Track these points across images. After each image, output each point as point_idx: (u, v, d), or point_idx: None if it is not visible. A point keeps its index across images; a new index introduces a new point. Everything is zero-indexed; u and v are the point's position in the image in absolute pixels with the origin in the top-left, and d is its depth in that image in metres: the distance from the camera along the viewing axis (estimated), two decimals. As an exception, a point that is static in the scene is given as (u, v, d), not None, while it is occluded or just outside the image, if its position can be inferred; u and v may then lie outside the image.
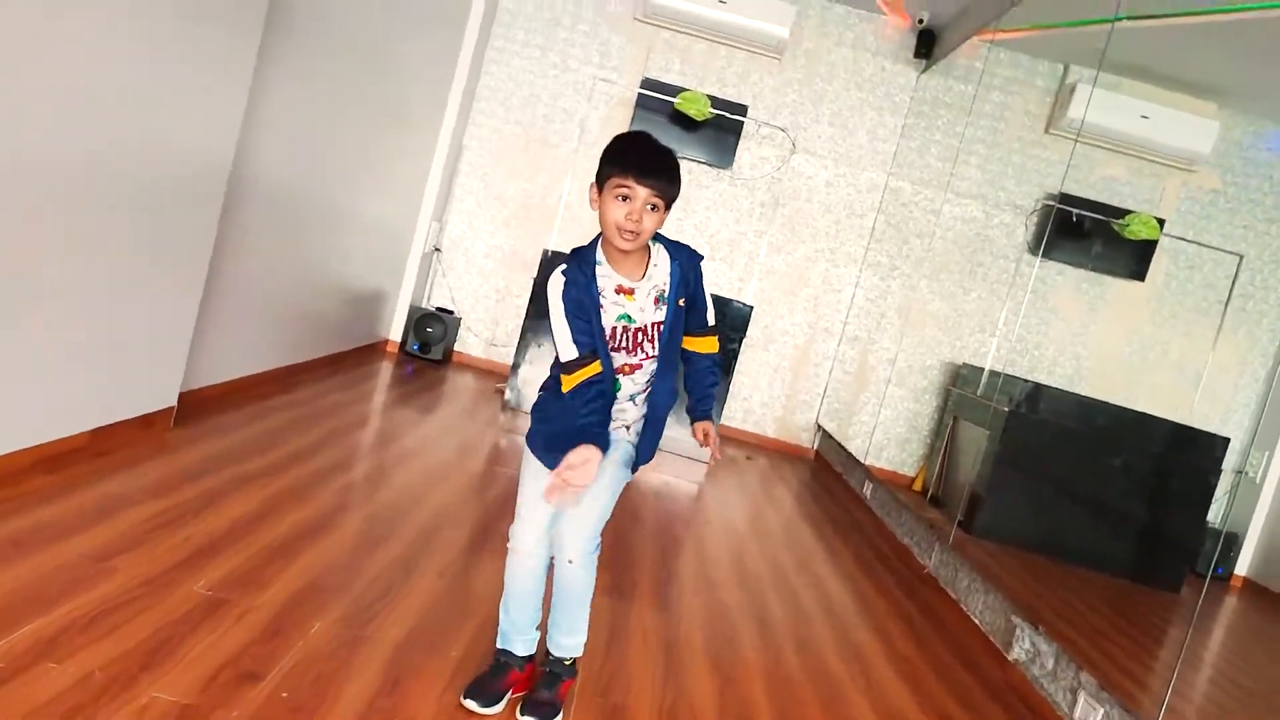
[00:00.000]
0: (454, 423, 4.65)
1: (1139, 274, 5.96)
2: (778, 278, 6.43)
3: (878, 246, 6.40)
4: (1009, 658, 2.96)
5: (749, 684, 2.44)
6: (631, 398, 1.96)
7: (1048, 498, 4.82)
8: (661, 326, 1.88)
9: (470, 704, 1.95)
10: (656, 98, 6.17)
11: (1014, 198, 6.14)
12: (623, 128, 6.29)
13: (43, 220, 2.33)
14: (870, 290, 6.40)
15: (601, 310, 1.85)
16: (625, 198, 1.78)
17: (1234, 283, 5.51)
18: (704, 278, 1.95)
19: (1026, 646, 2.85)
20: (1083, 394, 5.55)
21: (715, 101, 6.08)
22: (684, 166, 6.32)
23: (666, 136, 6.24)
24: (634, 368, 1.91)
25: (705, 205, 6.38)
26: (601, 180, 1.82)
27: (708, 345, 1.99)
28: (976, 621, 3.30)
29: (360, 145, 4.69)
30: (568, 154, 6.29)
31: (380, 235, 5.43)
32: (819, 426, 6.52)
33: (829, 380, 6.50)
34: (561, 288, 1.84)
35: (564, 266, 1.87)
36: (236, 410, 3.70)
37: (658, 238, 1.91)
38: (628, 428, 1.99)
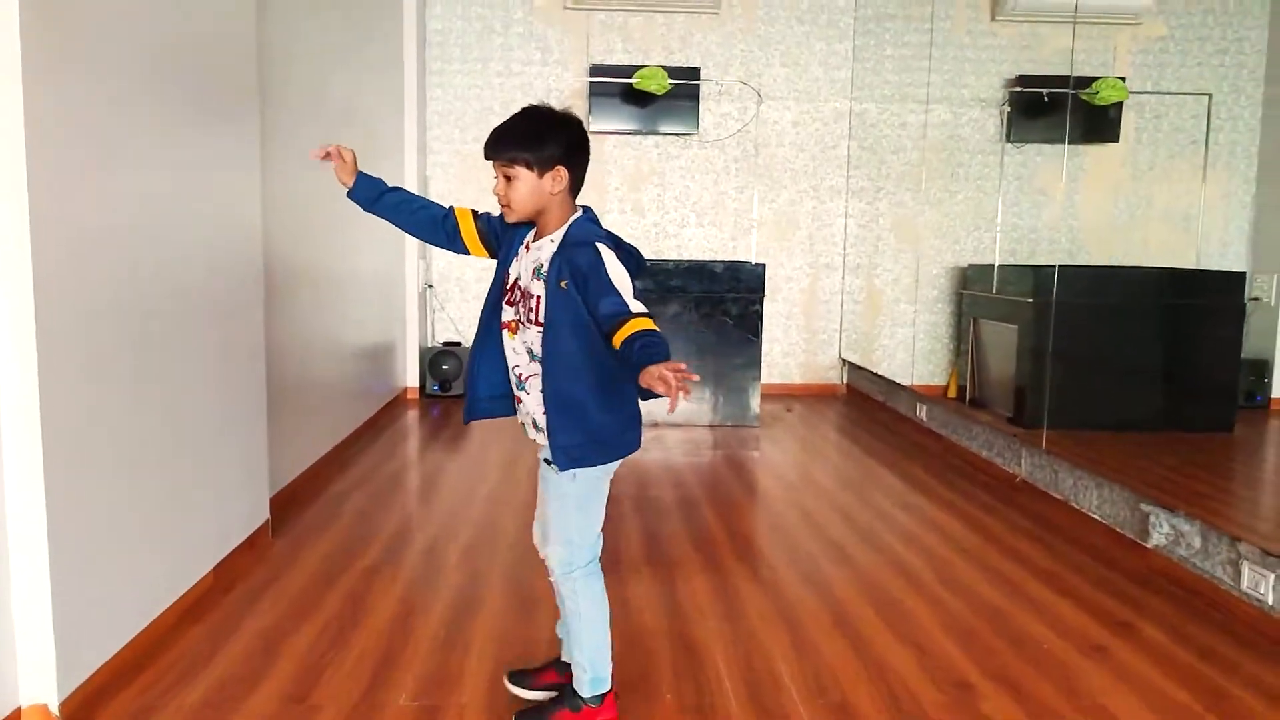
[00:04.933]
0: (508, 452, 4.59)
1: (1112, 136, 6.00)
2: (768, 228, 6.42)
3: (857, 173, 6.41)
4: (1148, 545, 3.02)
5: (936, 641, 2.48)
6: (520, 383, 1.91)
7: (1088, 375, 4.87)
8: (532, 299, 1.83)
9: (508, 683, 2.11)
10: (607, 82, 6.09)
11: (977, 92, 6.16)
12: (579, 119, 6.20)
13: (117, 364, 2.25)
14: (860, 216, 6.42)
15: (516, 258, 1.91)
16: (495, 178, 1.85)
17: (1209, 120, 5.59)
18: (603, 266, 1.77)
19: (1166, 531, 2.92)
20: (1092, 265, 5.60)
21: (668, 71, 6.01)
22: (650, 140, 6.26)
23: (624, 117, 6.19)
24: (512, 326, 1.90)
25: (680, 174, 6.33)
26: None
27: (629, 329, 1.70)
28: (1095, 516, 3.36)
29: (340, 203, 4.57)
30: (533, 159, 6.18)
31: (376, 288, 5.33)
32: (843, 361, 6.57)
33: (842, 314, 6.54)
34: None
35: None
36: (313, 505, 3.64)
37: (582, 223, 1.86)
38: (535, 424, 1.92)
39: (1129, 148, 5.82)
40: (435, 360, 6.01)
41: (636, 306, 1.75)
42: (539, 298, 1.82)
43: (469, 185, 6.20)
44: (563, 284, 1.78)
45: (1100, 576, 2.98)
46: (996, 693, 2.21)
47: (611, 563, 3.02)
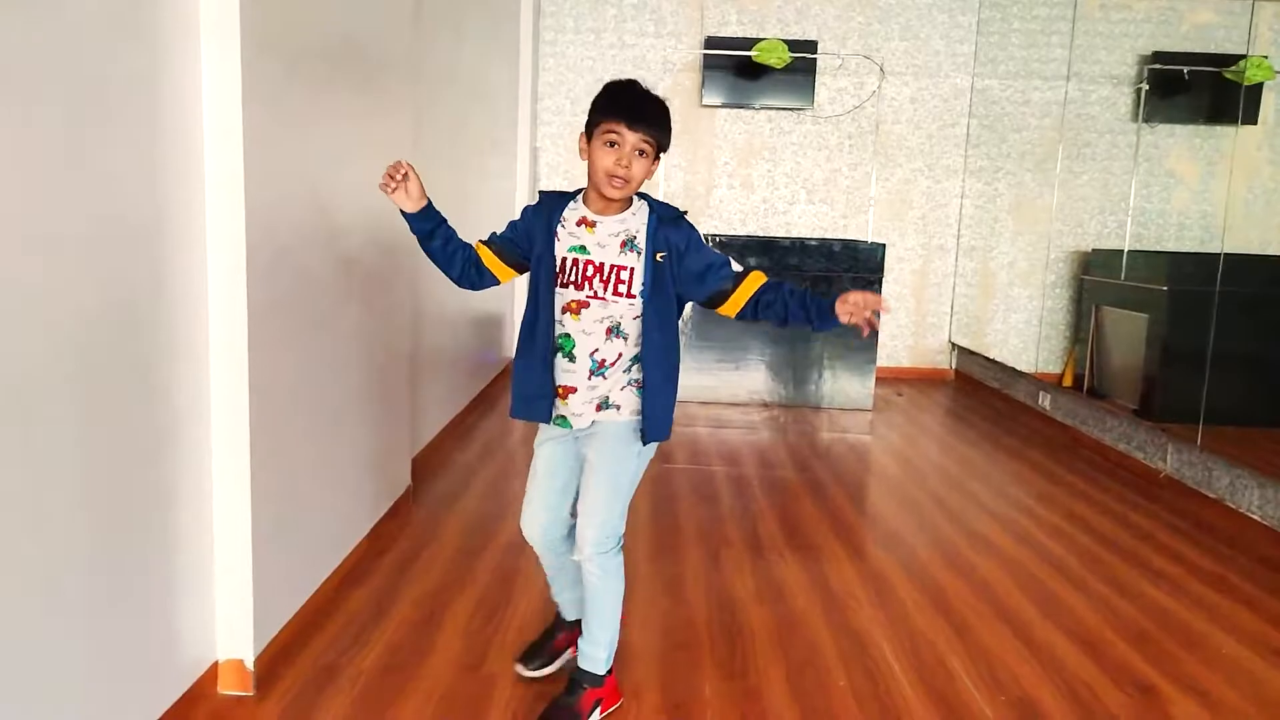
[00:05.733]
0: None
1: (1250, 118, 5.68)
2: (881, 206, 6.27)
3: (976, 152, 6.21)
4: (1318, 550, 2.88)
5: (1107, 640, 2.39)
6: (598, 369, 1.85)
7: (1237, 370, 4.63)
8: (624, 271, 1.82)
9: (520, 669, 2.09)
10: (721, 55, 6.00)
11: (1108, 68, 5.90)
12: (692, 94, 6.13)
13: (301, 335, 2.28)
14: (977, 197, 6.23)
15: (556, 240, 1.84)
16: (614, 143, 1.76)
17: (1363, 102, 5.29)
18: (700, 237, 1.87)
19: (1343, 536, 2.77)
20: (1229, 252, 5.33)
21: (786, 44, 5.89)
22: (762, 115, 6.16)
23: (736, 90, 6.09)
24: (580, 305, 1.83)
25: (793, 150, 6.22)
26: (591, 128, 1.79)
27: (755, 282, 1.86)
28: (1255, 517, 3.21)
29: (460, 173, 4.59)
30: (644, 132, 6.14)
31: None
32: (953, 345, 6.41)
33: (954, 296, 6.37)
34: (528, 205, 1.93)
35: (543, 190, 1.92)
36: (444, 475, 3.68)
37: (643, 196, 1.90)
38: (607, 406, 1.88)
39: (1268, 130, 5.52)
40: (542, 332, 6.03)
41: (738, 266, 1.88)
42: (633, 269, 1.82)
43: (578, 158, 6.16)
44: (659, 256, 1.82)
45: (1266, 580, 2.85)
46: (1182, 697, 2.12)
47: (753, 546, 3.00)
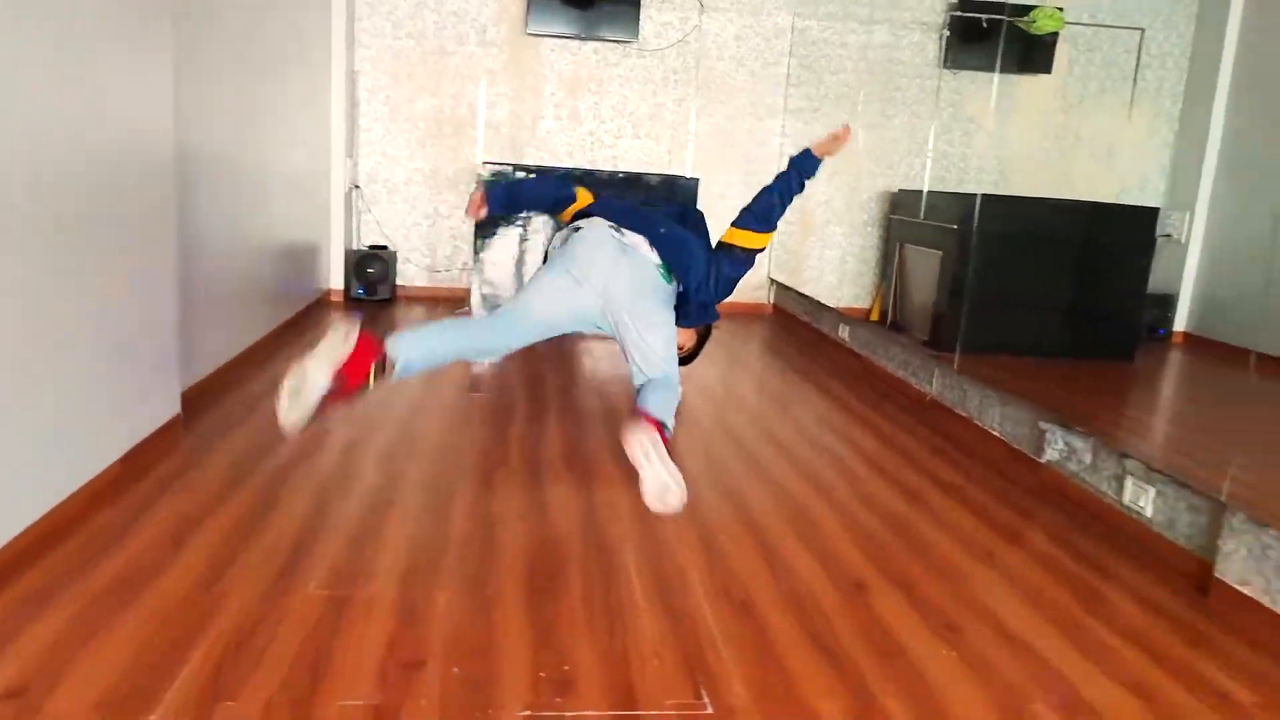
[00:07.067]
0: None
1: (1045, 67, 6.03)
2: (703, 142, 6.37)
3: (796, 91, 6.37)
4: (1041, 460, 3.17)
5: (840, 547, 2.58)
6: None
7: (1009, 303, 5.00)
8: None
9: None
10: (546, -19, 5.90)
11: (918, 15, 6.13)
12: (518, 21, 6.02)
13: (25, 253, 2.16)
14: (797, 136, 6.40)
15: None
16: None
17: (1139, 56, 5.67)
18: None
19: (1060, 446, 3.06)
20: (1018, 195, 5.68)
21: (609, -26, 5.84)
22: (589, 47, 6.13)
23: (563, 20, 6.01)
24: None
25: (618, 83, 6.22)
26: None
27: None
28: (996, 433, 3.50)
29: (261, 95, 4.38)
30: (468, 58, 6.00)
31: (299, 186, 5.17)
32: (771, 281, 6.63)
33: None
34: None
35: None
36: (227, 402, 3.58)
37: None
38: None
39: (1060, 80, 5.87)
40: (360, 263, 5.89)
41: None
42: None
43: (400, 83, 5.99)
44: None
45: (997, 488, 3.12)
46: (890, 591, 2.32)
47: (532, 469, 3.07)
